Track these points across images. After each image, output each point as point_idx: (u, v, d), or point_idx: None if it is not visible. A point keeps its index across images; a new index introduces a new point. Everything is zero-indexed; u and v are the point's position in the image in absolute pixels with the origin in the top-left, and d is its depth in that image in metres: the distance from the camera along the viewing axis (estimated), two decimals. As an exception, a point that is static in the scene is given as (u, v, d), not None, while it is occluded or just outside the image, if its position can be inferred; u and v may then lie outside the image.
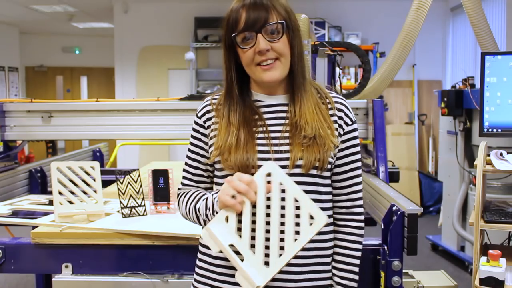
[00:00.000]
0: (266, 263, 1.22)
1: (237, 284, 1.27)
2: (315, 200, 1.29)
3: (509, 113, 2.59)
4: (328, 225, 1.38)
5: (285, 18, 1.33)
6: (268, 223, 1.24)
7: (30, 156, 8.58)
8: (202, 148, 1.44)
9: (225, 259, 1.33)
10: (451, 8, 6.99)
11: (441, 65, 7.28)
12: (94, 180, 2.20)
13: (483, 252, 2.19)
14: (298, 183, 1.26)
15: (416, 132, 7.13)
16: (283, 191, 1.25)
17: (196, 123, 1.46)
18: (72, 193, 2.13)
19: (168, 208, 2.21)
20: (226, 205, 1.25)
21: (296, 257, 1.22)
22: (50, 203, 2.46)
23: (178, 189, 1.50)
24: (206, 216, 1.35)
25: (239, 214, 1.26)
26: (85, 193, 2.16)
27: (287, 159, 1.33)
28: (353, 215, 1.43)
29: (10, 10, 7.75)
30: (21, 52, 9.67)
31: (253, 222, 1.25)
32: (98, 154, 3.88)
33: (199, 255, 1.45)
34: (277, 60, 1.34)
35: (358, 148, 1.44)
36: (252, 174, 1.27)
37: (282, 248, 1.22)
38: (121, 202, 2.13)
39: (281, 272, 1.23)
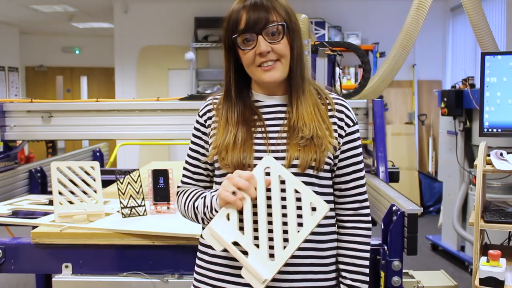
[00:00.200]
0: (271, 256, 1.22)
1: (236, 282, 1.26)
2: None
3: (509, 113, 2.59)
4: (326, 225, 1.38)
5: (286, 20, 1.33)
6: (270, 215, 1.24)
7: (30, 156, 8.57)
8: (203, 147, 1.45)
9: (223, 257, 1.33)
10: (451, 8, 6.98)
11: (441, 65, 7.27)
12: (94, 180, 2.20)
13: (483, 252, 2.19)
14: None
15: (416, 132, 7.12)
16: (282, 184, 1.25)
17: (197, 122, 1.46)
18: (72, 193, 2.13)
19: (168, 208, 2.21)
20: (226, 201, 1.25)
21: (291, 256, 1.22)
22: (50, 203, 2.46)
23: (178, 186, 1.51)
24: (204, 214, 1.35)
25: (240, 211, 1.26)
26: (85, 193, 2.16)
27: (283, 158, 1.33)
28: (361, 216, 1.42)
29: (10, 10, 7.75)
30: (21, 52, 9.67)
31: (255, 218, 1.25)
32: (98, 154, 3.88)
33: (198, 254, 1.45)
34: (278, 61, 1.34)
35: (361, 149, 1.44)
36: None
37: (286, 240, 1.22)
38: (121, 202, 2.13)
39: (278, 272, 1.23)
